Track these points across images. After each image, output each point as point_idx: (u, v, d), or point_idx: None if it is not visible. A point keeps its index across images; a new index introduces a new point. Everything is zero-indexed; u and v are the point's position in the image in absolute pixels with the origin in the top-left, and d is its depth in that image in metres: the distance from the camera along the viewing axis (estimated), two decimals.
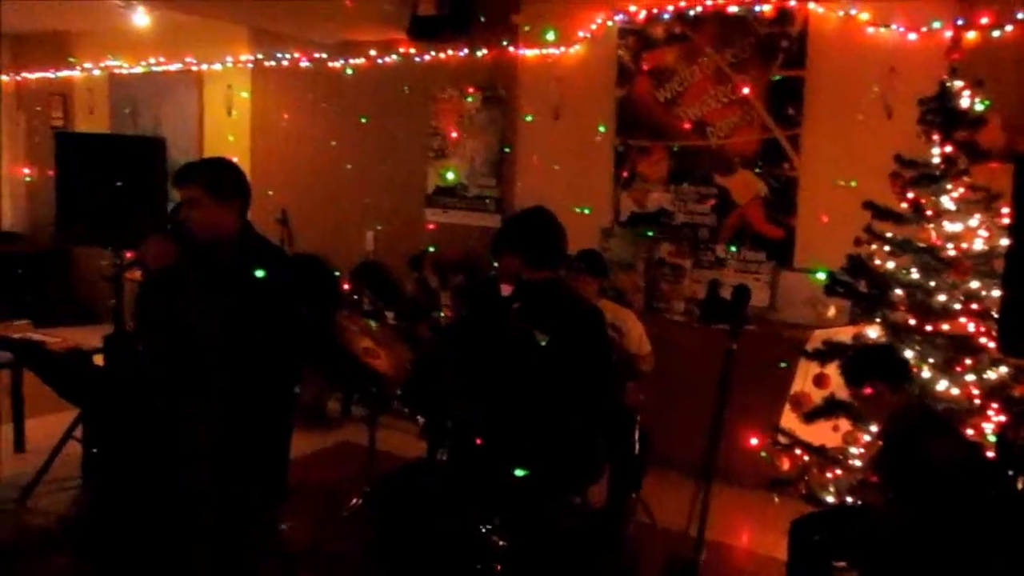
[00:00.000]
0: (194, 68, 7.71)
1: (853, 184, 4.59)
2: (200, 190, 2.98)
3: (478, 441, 3.03)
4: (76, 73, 8.58)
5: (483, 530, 2.86)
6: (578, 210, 5.66)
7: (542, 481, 2.94)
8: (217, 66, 7.58)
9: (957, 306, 3.65)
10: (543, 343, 2.94)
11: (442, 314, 6.08)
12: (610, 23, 5.69)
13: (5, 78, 9.02)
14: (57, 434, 4.55)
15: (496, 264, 3.23)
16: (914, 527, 2.85)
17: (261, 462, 3.02)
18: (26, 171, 8.99)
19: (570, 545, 3.14)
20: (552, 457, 2.95)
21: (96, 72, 8.40)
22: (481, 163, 6.37)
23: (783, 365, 4.25)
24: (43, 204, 8.32)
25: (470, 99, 6.34)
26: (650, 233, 5.60)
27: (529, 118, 6.05)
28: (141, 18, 7.10)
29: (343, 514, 4.24)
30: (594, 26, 5.74)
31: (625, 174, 5.74)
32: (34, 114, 9.03)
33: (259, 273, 2.90)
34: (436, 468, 3.35)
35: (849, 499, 3.69)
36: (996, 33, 4.42)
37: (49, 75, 8.73)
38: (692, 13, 5.36)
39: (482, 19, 5.98)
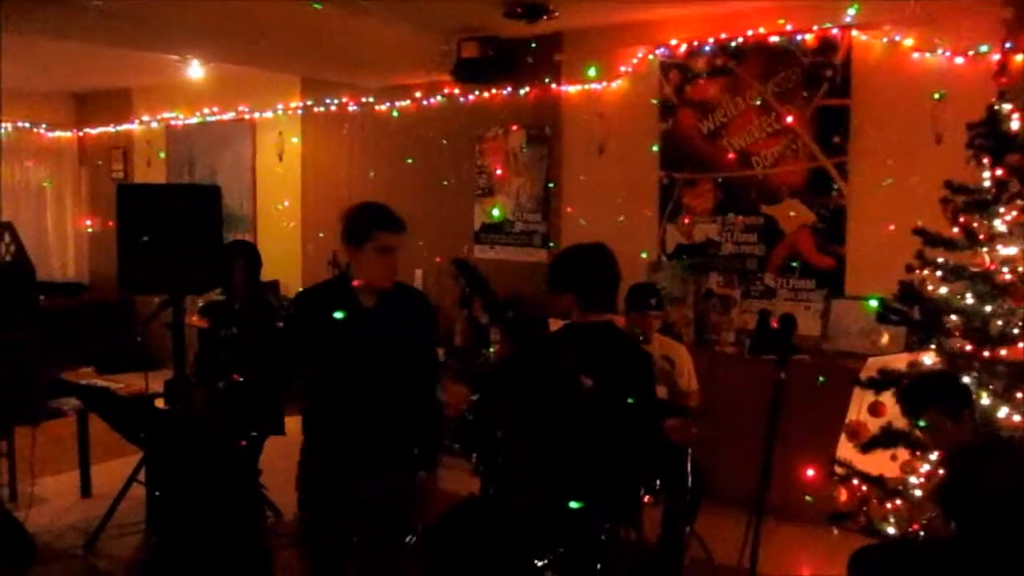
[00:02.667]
0: (247, 117, 7.95)
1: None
2: (399, 238, 3.05)
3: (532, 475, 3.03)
4: (135, 126, 8.90)
5: (538, 566, 2.86)
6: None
7: (590, 516, 2.93)
8: (268, 114, 7.81)
9: (1015, 331, 3.58)
10: (590, 387, 2.92)
11: (492, 350, 6.12)
12: (651, 57, 5.75)
13: (69, 134, 9.39)
14: (122, 479, 4.67)
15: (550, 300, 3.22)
16: (980, 560, 2.78)
17: None
18: (88, 223, 9.30)
19: None
20: (597, 493, 2.95)
21: (154, 125, 8.70)
22: (527, 199, 6.44)
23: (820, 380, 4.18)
24: (105, 255, 8.58)
25: (519, 136, 6.42)
26: (683, 259, 5.59)
27: (571, 155, 6.11)
28: (196, 71, 7.36)
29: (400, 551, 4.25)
30: (635, 61, 5.80)
31: (670, 206, 5.75)
32: (96, 168, 9.37)
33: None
34: (489, 505, 3.37)
35: (910, 530, 3.61)
36: None
37: (109, 129, 9.07)
38: (734, 45, 5.40)
39: (530, 60, 6.08)
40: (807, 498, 4.01)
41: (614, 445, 2.96)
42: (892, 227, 4.58)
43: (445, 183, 6.79)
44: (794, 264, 5.27)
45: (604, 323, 3.09)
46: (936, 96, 4.68)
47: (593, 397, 2.92)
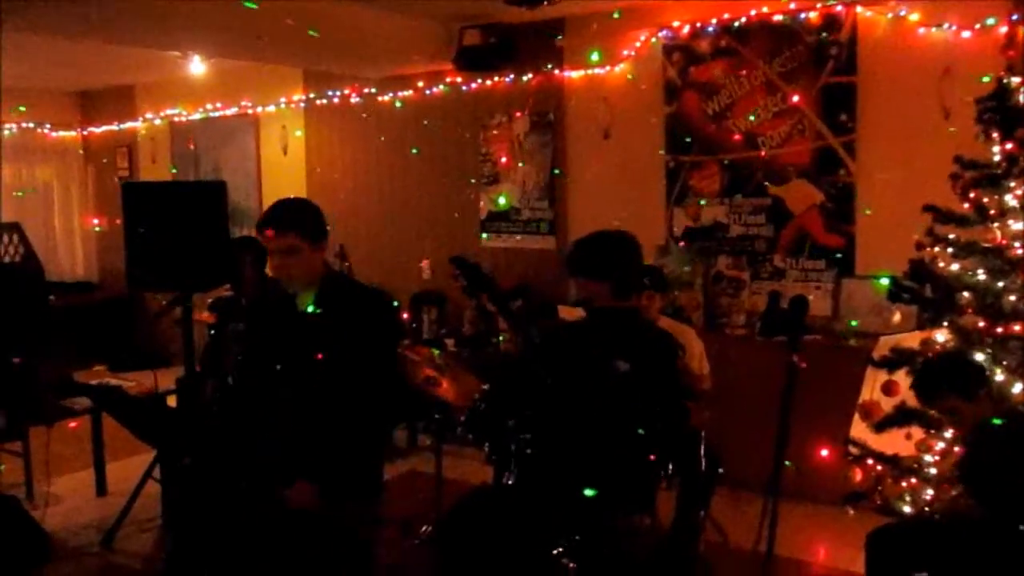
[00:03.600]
0: (250, 111, 7.94)
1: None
2: (297, 237, 2.85)
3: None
4: (139, 124, 8.90)
5: (554, 553, 2.86)
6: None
7: (607, 502, 2.93)
8: (271, 108, 7.79)
9: None
10: (623, 372, 2.92)
11: (502, 339, 6.11)
12: (654, 40, 5.71)
13: (73, 133, 9.40)
14: (136, 476, 4.69)
15: (575, 287, 3.20)
16: (1004, 537, 2.76)
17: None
18: (95, 222, 9.32)
19: (640, 565, 3.12)
20: (616, 479, 2.95)
21: (157, 122, 8.70)
22: (533, 187, 6.42)
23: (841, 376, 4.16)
24: (113, 253, 8.61)
25: (523, 123, 6.40)
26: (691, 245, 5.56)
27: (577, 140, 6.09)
28: (198, 67, 7.36)
29: (414, 542, 4.27)
30: (638, 44, 5.76)
31: (677, 190, 5.73)
32: (101, 166, 9.38)
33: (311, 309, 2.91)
34: (503, 493, 3.37)
35: (927, 509, 3.60)
36: None
37: (114, 127, 9.07)
38: (737, 25, 5.35)
39: (529, 46, 6.05)
40: (824, 479, 4.00)
41: (641, 430, 2.96)
42: (902, 204, 4.54)
43: (449, 171, 6.78)
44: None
45: (631, 309, 3.10)
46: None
47: (624, 382, 2.92)
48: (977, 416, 3.00)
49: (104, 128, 9.19)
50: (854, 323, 4.91)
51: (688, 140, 5.61)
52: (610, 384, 2.92)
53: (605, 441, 2.95)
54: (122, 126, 9.00)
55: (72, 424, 5.09)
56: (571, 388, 3.02)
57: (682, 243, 5.69)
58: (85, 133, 9.44)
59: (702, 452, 3.93)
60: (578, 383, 3.00)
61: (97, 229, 9.34)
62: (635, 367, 2.95)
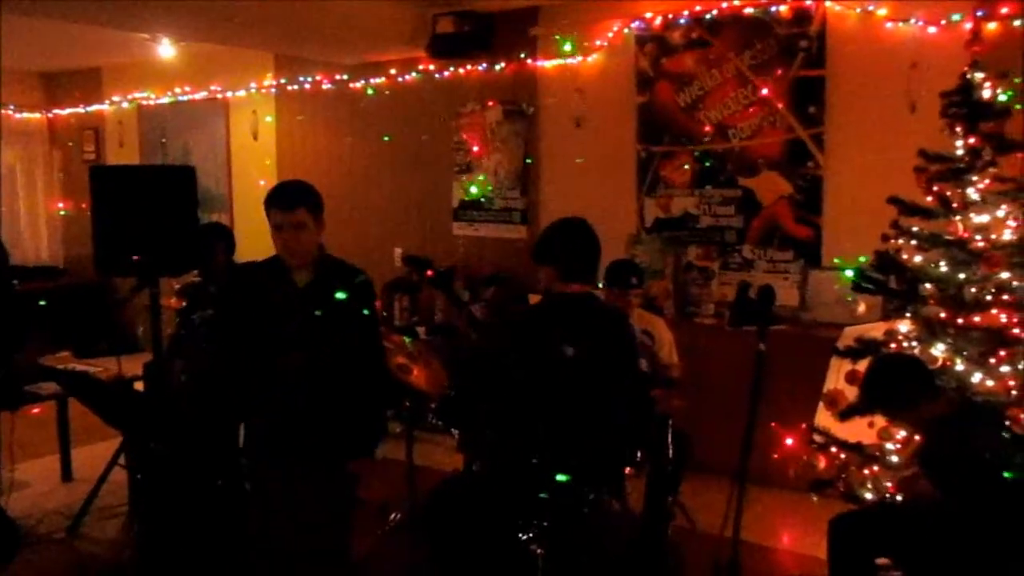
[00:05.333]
0: (219, 96, 7.86)
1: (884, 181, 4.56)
2: (305, 213, 3.01)
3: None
4: (106, 107, 8.77)
5: (523, 539, 2.89)
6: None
7: (574, 487, 2.96)
8: (242, 92, 7.72)
9: (988, 298, 3.62)
10: (574, 357, 2.96)
11: (437, 311, 6.14)
12: (627, 31, 5.73)
13: (38, 115, 9.24)
14: (103, 463, 4.65)
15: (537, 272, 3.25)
16: (962, 521, 2.83)
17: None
18: (61, 206, 9.18)
19: (609, 550, 3.16)
20: (582, 464, 2.98)
21: (125, 105, 8.58)
22: (506, 175, 6.42)
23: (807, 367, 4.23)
24: (80, 237, 8.48)
25: (496, 112, 6.40)
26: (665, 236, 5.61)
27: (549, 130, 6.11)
28: (167, 50, 7.25)
29: (385, 528, 4.28)
30: (611, 34, 5.78)
31: (648, 180, 5.76)
32: (67, 150, 9.23)
33: (340, 295, 2.98)
34: (474, 480, 3.39)
35: (888, 495, 3.67)
36: (1018, 23, 4.40)
37: (80, 111, 8.93)
38: (709, 17, 5.39)
39: (503, 34, 6.04)
40: (790, 471, 4.07)
41: (599, 415, 2.99)
42: (869, 197, 4.61)
43: (422, 159, 6.76)
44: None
45: (585, 294, 3.13)
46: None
47: (574, 366, 2.95)
48: (932, 413, 3.04)
49: (70, 111, 9.04)
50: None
51: (661, 131, 5.65)
52: (560, 369, 2.96)
53: (567, 426, 2.98)
54: (89, 109, 8.86)
55: (35, 410, 5.03)
56: (526, 373, 3.05)
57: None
58: (50, 116, 9.28)
59: (670, 439, 3.99)
60: (531, 368, 3.04)
61: (63, 213, 9.20)
62: (586, 352, 2.98)
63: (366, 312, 3.07)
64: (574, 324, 3.04)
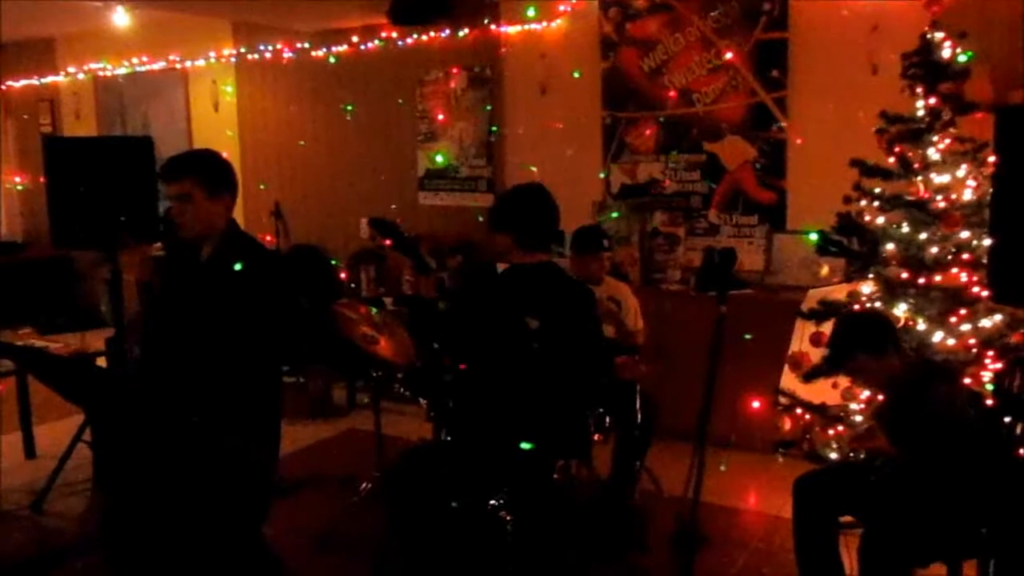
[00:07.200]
0: (178, 66, 7.70)
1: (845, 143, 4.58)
2: (192, 184, 2.87)
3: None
4: (61, 78, 8.56)
5: (491, 506, 2.90)
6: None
7: (540, 455, 2.97)
8: (201, 62, 7.56)
9: (949, 258, 3.67)
10: (534, 327, 2.95)
11: (404, 282, 6.11)
12: None
13: None
14: (66, 439, 4.59)
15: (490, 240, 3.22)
16: (921, 477, 2.88)
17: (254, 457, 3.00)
18: (17, 179, 8.98)
19: (577, 516, 3.18)
20: (547, 432, 2.99)
21: (81, 76, 8.38)
22: (471, 144, 6.37)
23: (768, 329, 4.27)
24: (37, 211, 8.32)
25: (460, 79, 6.33)
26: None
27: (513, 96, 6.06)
28: (121, 18, 7.06)
29: (355, 499, 4.28)
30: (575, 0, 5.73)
31: (614, 146, 5.75)
32: (22, 122, 9.02)
33: (237, 266, 2.84)
34: (442, 449, 3.39)
35: (852, 455, 3.73)
36: None
37: (34, 82, 8.71)
38: None
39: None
40: (755, 428, 4.10)
41: (563, 384, 3.00)
42: (831, 160, 4.62)
43: (386, 128, 6.69)
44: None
45: (545, 263, 3.11)
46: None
47: (538, 337, 2.95)
48: (888, 371, 3.07)
49: (24, 82, 8.81)
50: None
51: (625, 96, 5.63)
52: (522, 339, 2.95)
53: (532, 394, 2.98)
54: (43, 80, 8.64)
55: None
56: (489, 342, 3.04)
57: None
58: (4, 87, 9.04)
59: (638, 404, 4.02)
60: (494, 338, 3.03)
61: (19, 187, 9.00)
62: (547, 321, 2.97)
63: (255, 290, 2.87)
64: (536, 295, 3.02)
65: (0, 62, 9.04)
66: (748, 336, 4.24)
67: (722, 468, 4.47)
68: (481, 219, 6.16)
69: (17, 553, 4.01)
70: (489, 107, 6.22)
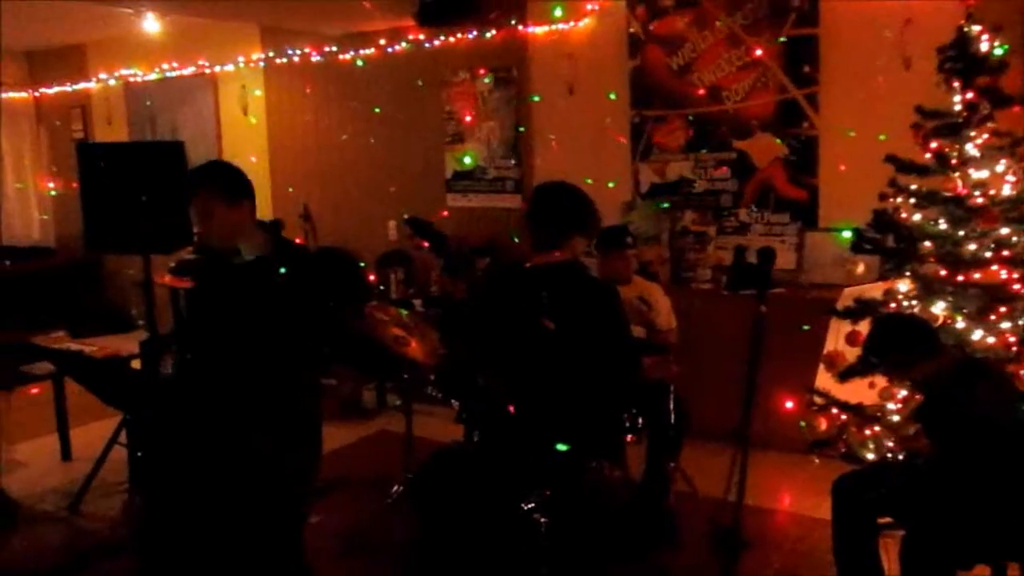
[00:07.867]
0: (207, 71, 7.76)
1: (882, 138, 4.50)
2: (210, 197, 2.91)
3: (511, 410, 3.00)
4: (92, 84, 8.66)
5: (524, 509, 2.88)
6: (610, 185, 5.67)
7: (571, 455, 2.94)
8: (230, 67, 7.62)
9: (987, 254, 3.60)
10: (555, 328, 2.90)
11: (433, 285, 6.11)
12: None
13: (24, 94, 9.13)
14: (101, 442, 4.64)
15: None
16: (964, 477, 2.83)
17: (295, 457, 3.01)
18: (51, 185, 9.10)
19: (611, 517, 3.15)
20: (576, 433, 2.96)
21: (112, 82, 8.48)
22: (498, 144, 6.37)
23: (805, 328, 4.22)
24: (70, 216, 8.43)
25: (487, 80, 6.32)
26: (666, 205, 5.59)
27: (536, 98, 6.05)
28: (151, 24, 7.14)
29: (386, 502, 4.28)
30: None
31: (642, 145, 5.71)
32: (54, 128, 9.14)
33: (282, 270, 2.88)
34: (473, 451, 3.38)
35: (890, 455, 3.68)
36: None
37: (66, 88, 8.82)
38: None
39: (492, 1, 5.95)
40: (801, 424, 4.04)
41: (588, 384, 2.96)
42: (864, 156, 4.57)
43: (413, 130, 6.70)
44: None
45: (565, 263, 3.03)
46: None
47: (557, 339, 2.89)
48: (931, 371, 3.03)
49: (56, 89, 8.93)
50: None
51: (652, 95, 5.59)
52: (539, 341, 2.91)
53: (556, 395, 2.94)
54: (75, 87, 8.75)
55: (34, 390, 5.02)
56: (509, 344, 3.00)
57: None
58: (37, 94, 9.17)
59: (671, 405, 3.98)
60: (513, 340, 2.99)
61: (53, 192, 9.12)
62: (564, 321, 2.92)
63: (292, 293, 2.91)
64: (553, 296, 2.97)
65: (32, 69, 9.18)
66: (806, 327, 4.17)
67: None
68: (510, 220, 6.17)
69: (56, 553, 4.06)
70: (516, 105, 6.20)
